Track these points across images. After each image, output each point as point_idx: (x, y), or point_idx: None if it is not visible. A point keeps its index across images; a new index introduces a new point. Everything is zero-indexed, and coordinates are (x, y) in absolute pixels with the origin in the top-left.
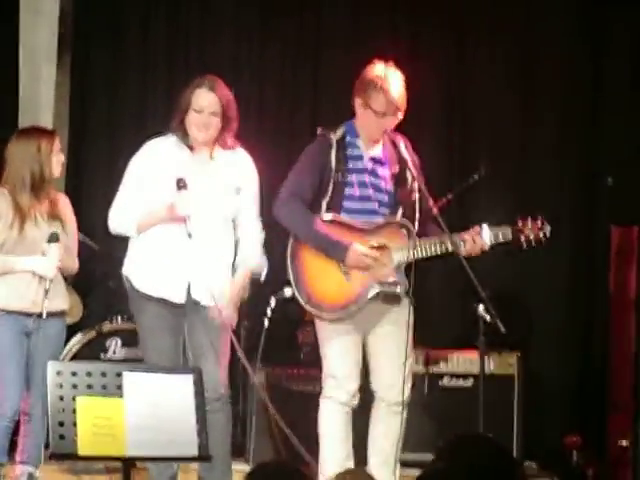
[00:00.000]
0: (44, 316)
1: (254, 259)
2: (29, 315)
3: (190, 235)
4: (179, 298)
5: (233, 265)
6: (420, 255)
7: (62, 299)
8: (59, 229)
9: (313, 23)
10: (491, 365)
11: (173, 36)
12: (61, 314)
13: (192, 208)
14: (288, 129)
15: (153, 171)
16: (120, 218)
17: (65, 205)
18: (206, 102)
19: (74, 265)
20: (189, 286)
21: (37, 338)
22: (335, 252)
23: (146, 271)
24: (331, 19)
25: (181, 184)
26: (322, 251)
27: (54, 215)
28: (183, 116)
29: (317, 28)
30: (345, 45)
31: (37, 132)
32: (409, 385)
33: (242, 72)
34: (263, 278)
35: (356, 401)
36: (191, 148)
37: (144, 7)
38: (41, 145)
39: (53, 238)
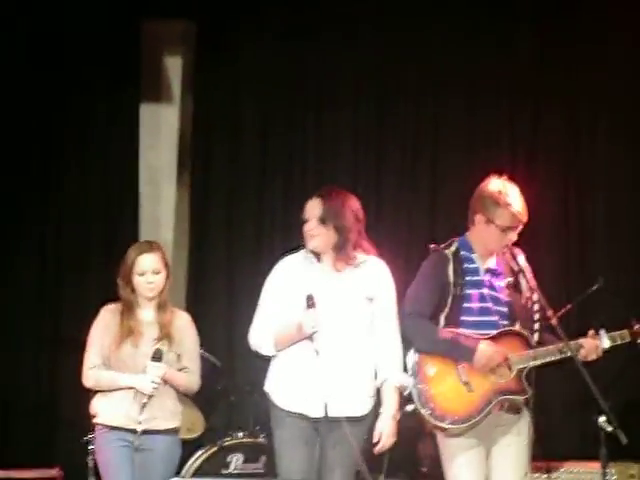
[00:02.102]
0: (138, 430)
1: (399, 376)
2: (132, 431)
3: (317, 352)
4: (316, 413)
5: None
6: (539, 363)
7: (170, 418)
8: (166, 347)
9: (430, 131)
10: (613, 476)
11: (290, 151)
12: (170, 432)
13: (320, 325)
14: (405, 239)
15: (286, 288)
16: (259, 336)
17: (184, 324)
18: (310, 210)
19: (192, 385)
20: (325, 403)
21: (146, 455)
22: (461, 353)
23: (285, 387)
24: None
25: (310, 302)
26: (448, 354)
27: (166, 334)
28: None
29: (434, 138)
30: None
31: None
32: None
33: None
34: (406, 393)
35: None
36: (319, 259)
37: (261, 124)
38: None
39: (157, 356)
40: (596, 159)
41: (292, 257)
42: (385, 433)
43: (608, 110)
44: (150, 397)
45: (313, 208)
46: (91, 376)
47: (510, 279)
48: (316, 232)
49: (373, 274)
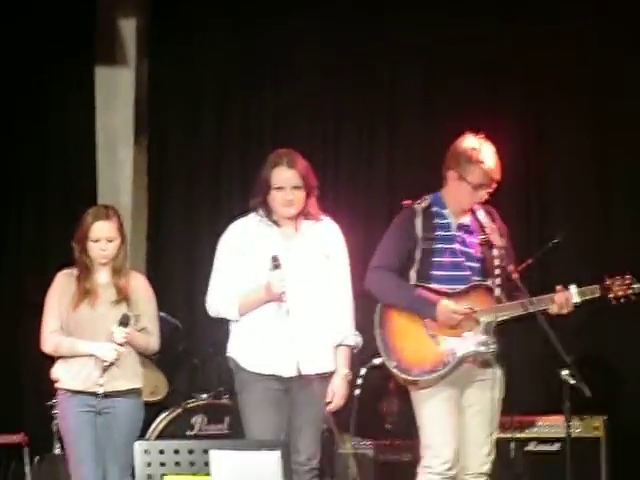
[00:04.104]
0: (99, 392)
1: (351, 334)
2: (94, 395)
3: (288, 312)
4: (289, 373)
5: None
6: (506, 317)
7: (131, 379)
8: (127, 310)
9: (386, 95)
10: (577, 429)
11: (247, 116)
12: (132, 393)
13: (287, 285)
14: (364, 201)
15: (246, 251)
16: (221, 302)
17: (140, 285)
18: (287, 179)
19: (151, 345)
20: (298, 362)
21: (108, 418)
22: (425, 309)
23: (253, 350)
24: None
25: (276, 263)
26: (412, 310)
27: (123, 296)
28: (265, 195)
29: (391, 100)
30: (420, 116)
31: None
32: (492, 457)
33: (317, 147)
34: (356, 350)
35: (454, 471)
36: (276, 223)
37: (218, 88)
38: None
39: (124, 321)
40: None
41: (246, 220)
42: (337, 393)
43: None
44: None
45: (287, 177)
46: (50, 341)
47: (484, 236)
48: (295, 200)
49: (328, 233)
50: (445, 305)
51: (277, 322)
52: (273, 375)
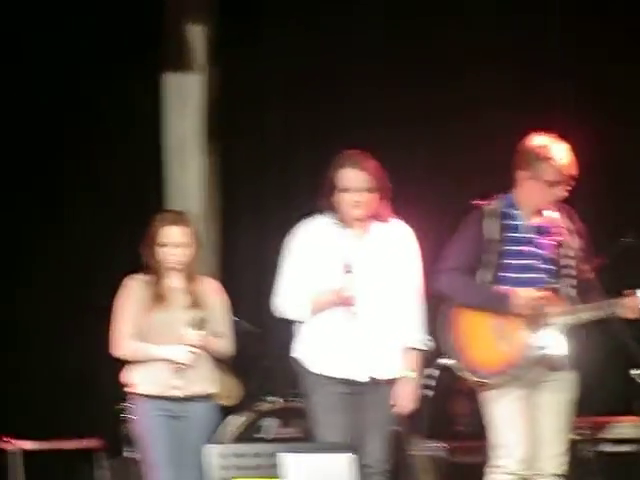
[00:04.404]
0: (176, 399)
1: (421, 337)
2: (170, 399)
3: (356, 315)
4: (361, 377)
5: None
6: (579, 320)
7: (208, 384)
8: (201, 314)
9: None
10: None
11: (315, 120)
12: (208, 397)
13: (357, 289)
14: (433, 202)
15: (315, 253)
16: (291, 303)
17: (213, 290)
18: (355, 180)
19: (226, 349)
20: (370, 366)
21: (184, 422)
22: (501, 303)
23: (321, 353)
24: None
25: (347, 269)
26: (487, 306)
27: (196, 301)
28: (331, 196)
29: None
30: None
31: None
32: (566, 458)
33: (385, 149)
34: (427, 354)
35: (527, 471)
36: (345, 225)
37: (286, 92)
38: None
39: (197, 324)
40: None
41: (314, 221)
42: (405, 396)
43: None
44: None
45: (356, 179)
46: (124, 346)
47: (557, 237)
48: (363, 203)
49: (399, 235)
50: (519, 294)
51: (345, 325)
52: (343, 379)
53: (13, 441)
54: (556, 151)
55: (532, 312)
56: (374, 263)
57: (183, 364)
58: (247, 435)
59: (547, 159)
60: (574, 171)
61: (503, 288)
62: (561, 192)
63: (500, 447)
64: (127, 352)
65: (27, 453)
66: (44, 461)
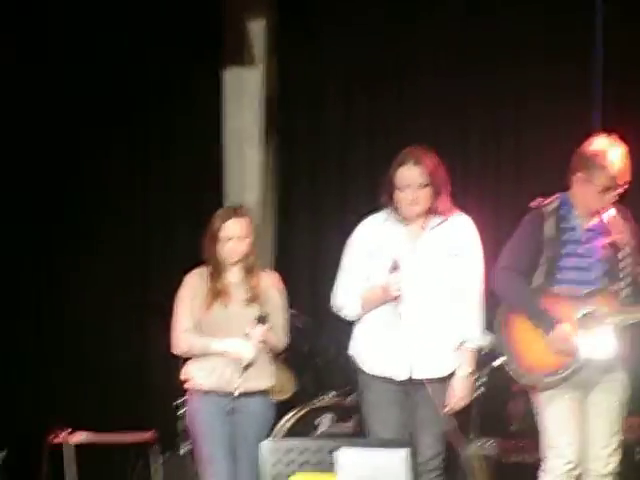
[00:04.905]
0: (235, 394)
1: (477, 337)
2: (226, 395)
3: (401, 316)
4: (401, 376)
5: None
6: (632, 320)
7: (265, 379)
8: (260, 309)
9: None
10: None
11: (373, 114)
12: (264, 392)
13: (404, 288)
14: (492, 195)
15: (372, 251)
16: (344, 300)
17: (272, 282)
18: (411, 178)
19: (282, 343)
20: (410, 366)
21: (240, 417)
22: (543, 323)
23: (369, 351)
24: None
25: (395, 265)
26: (531, 319)
27: (255, 295)
28: (391, 193)
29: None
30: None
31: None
32: (617, 457)
33: (443, 145)
34: (484, 351)
35: (577, 471)
36: (403, 222)
37: (345, 86)
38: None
39: (261, 321)
40: None
41: (375, 218)
42: (456, 394)
43: None
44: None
45: (412, 175)
46: (184, 340)
47: (611, 239)
48: (420, 199)
49: (458, 229)
50: (563, 330)
51: (392, 325)
52: (387, 378)
53: (67, 435)
54: (612, 157)
55: (563, 349)
56: (428, 261)
57: (246, 360)
58: (303, 430)
59: (602, 167)
60: (628, 177)
61: (553, 311)
62: (613, 197)
63: (550, 448)
64: (186, 346)
65: (82, 447)
66: (100, 456)
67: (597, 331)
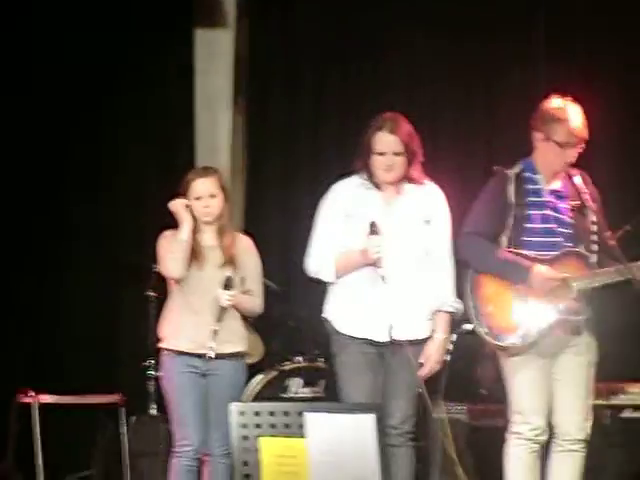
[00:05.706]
0: (209, 356)
1: (451, 301)
2: (200, 356)
3: (384, 278)
4: (381, 337)
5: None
6: (599, 283)
7: (237, 342)
8: (232, 272)
9: (484, 56)
10: None
11: (346, 79)
12: (236, 356)
13: (383, 251)
14: (462, 165)
15: (347, 214)
16: (319, 263)
17: (246, 247)
18: (388, 144)
19: (256, 308)
20: (390, 327)
21: (213, 379)
22: (517, 274)
23: (347, 314)
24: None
25: (374, 228)
26: (503, 275)
27: (229, 257)
28: (366, 158)
29: (489, 62)
30: (519, 79)
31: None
32: (590, 423)
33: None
34: (456, 317)
35: (544, 437)
36: (377, 187)
37: (319, 49)
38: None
39: (228, 284)
40: None
41: (348, 182)
42: (430, 358)
43: None
44: (220, 323)
45: (388, 142)
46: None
47: (576, 202)
48: (395, 166)
49: (431, 197)
50: (539, 271)
51: (372, 287)
52: (366, 339)
53: (34, 394)
54: (570, 112)
55: (547, 292)
56: (403, 225)
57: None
58: (272, 394)
59: (560, 120)
60: (586, 135)
61: (522, 259)
62: (573, 156)
63: (517, 414)
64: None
65: (50, 409)
66: (70, 418)
67: (564, 294)
